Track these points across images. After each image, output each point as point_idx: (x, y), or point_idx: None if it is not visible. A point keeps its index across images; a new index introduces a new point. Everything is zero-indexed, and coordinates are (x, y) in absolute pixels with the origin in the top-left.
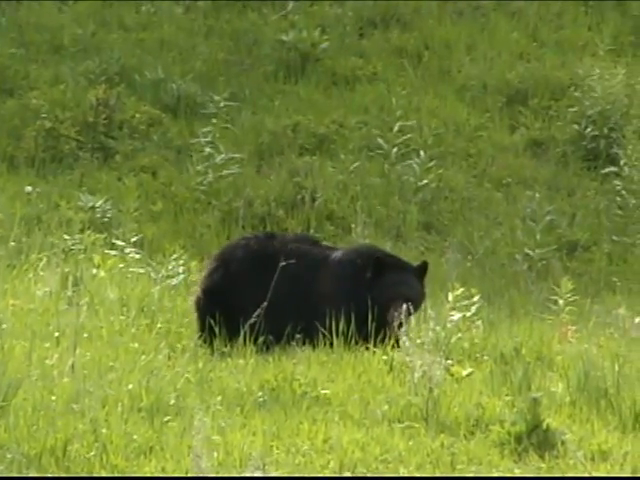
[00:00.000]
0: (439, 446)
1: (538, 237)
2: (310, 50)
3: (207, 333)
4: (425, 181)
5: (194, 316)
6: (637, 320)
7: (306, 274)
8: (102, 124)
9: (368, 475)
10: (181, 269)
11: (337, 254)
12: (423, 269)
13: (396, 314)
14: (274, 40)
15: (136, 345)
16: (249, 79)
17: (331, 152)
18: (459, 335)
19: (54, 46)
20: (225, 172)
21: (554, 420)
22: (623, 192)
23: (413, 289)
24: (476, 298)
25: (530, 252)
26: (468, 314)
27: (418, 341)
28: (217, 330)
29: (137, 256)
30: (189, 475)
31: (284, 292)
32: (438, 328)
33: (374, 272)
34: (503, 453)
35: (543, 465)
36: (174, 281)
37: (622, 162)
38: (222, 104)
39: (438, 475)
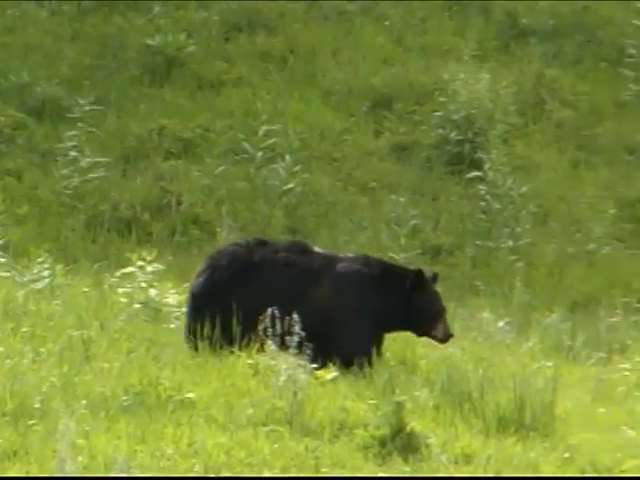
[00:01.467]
0: (303, 449)
1: (402, 241)
2: (176, 54)
3: (191, 334)
4: (290, 185)
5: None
6: (500, 324)
7: (297, 285)
8: None
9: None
10: (46, 273)
11: (342, 265)
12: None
13: (442, 327)
14: (140, 44)
15: (1, 349)
16: (115, 83)
17: (196, 156)
18: None
19: None
20: (90, 176)
21: (418, 424)
22: (487, 197)
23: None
24: None
25: (395, 256)
26: None
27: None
28: (199, 333)
29: (2, 260)
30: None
31: (271, 302)
32: (302, 332)
33: (415, 285)
34: (367, 456)
35: (407, 468)
36: (39, 285)
37: (486, 167)
38: (87, 108)
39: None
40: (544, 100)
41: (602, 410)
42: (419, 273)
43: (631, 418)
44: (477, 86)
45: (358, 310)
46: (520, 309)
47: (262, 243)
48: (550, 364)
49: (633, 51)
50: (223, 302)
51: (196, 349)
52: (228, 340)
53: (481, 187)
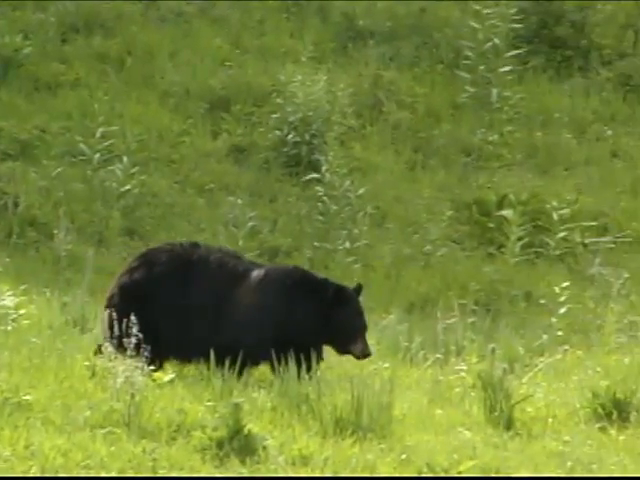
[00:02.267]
0: (141, 451)
1: (241, 243)
2: (12, 55)
3: (114, 331)
4: (128, 187)
5: (104, 312)
6: None
7: (225, 287)
8: None
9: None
10: None
11: (262, 271)
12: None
13: (361, 346)
14: None
15: None
16: None
17: (33, 158)
18: None
19: None
20: None
21: (255, 425)
22: (324, 198)
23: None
24: None
25: None
26: None
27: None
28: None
29: None
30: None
31: (200, 302)
32: (140, 334)
33: (335, 301)
34: (205, 458)
35: (244, 470)
36: None
37: (323, 168)
38: None
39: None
40: (381, 102)
41: (439, 411)
42: (339, 289)
43: (467, 419)
44: (314, 88)
45: (264, 311)
46: None
47: (195, 245)
48: (387, 366)
49: (470, 53)
50: (159, 298)
51: (120, 346)
52: (155, 338)
53: (318, 189)
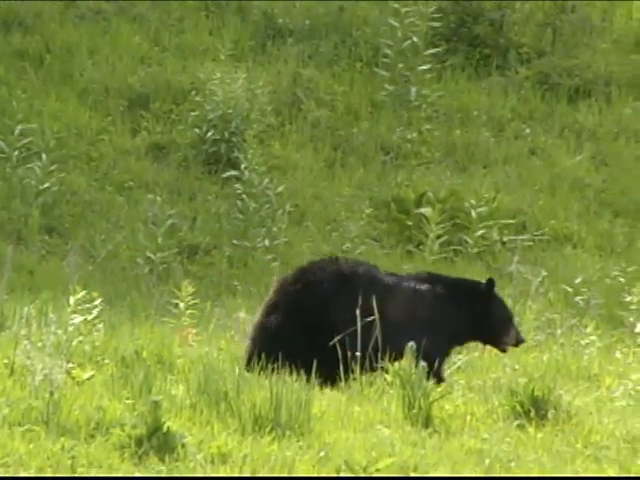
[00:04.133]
0: (59, 449)
1: (160, 240)
2: None
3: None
4: (47, 184)
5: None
6: None
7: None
8: None
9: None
10: None
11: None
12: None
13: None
14: None
15: None
16: None
17: None
18: (80, 338)
19: None
20: None
21: (174, 423)
22: (243, 196)
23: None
24: (97, 301)
25: (151, 255)
26: (89, 317)
27: (39, 344)
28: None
29: None
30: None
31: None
32: (59, 331)
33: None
34: (123, 456)
35: (163, 468)
36: None
37: (242, 166)
38: None
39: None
40: (300, 100)
41: (357, 409)
42: (488, 284)
43: (386, 417)
44: (233, 86)
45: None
46: None
47: (336, 259)
48: None
49: (388, 51)
50: (326, 315)
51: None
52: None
53: (238, 187)
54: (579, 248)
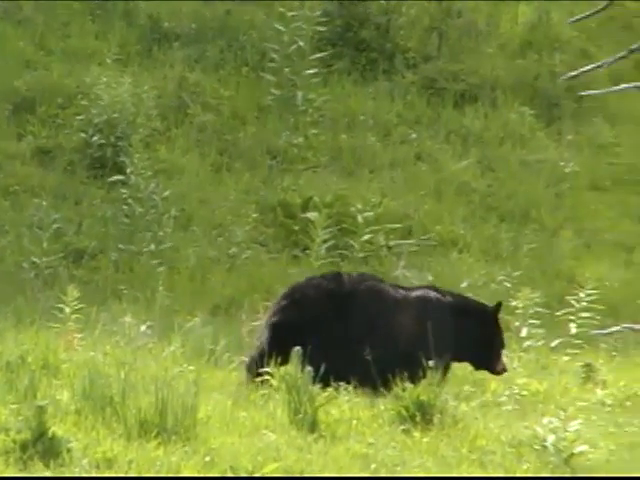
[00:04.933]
0: None
1: (45, 245)
2: None
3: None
4: None
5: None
6: (143, 328)
7: (386, 315)
8: None
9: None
10: None
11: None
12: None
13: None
14: None
15: None
16: None
17: None
18: None
19: None
20: None
21: (59, 428)
22: (129, 200)
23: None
24: None
25: (37, 260)
26: None
27: None
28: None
29: None
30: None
31: (358, 334)
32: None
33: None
34: (8, 461)
35: (48, 473)
36: None
37: (128, 170)
38: None
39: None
40: (186, 104)
41: (243, 414)
42: (496, 310)
43: (272, 422)
44: (119, 90)
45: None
46: (162, 313)
47: (339, 275)
48: (192, 368)
49: (275, 56)
50: (315, 334)
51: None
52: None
53: (124, 191)
54: (465, 253)
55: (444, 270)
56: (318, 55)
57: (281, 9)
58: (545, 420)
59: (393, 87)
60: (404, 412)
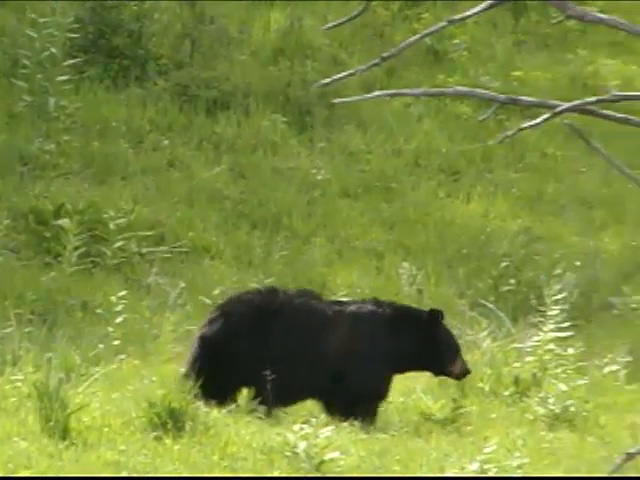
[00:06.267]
0: None
1: None
2: None
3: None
4: None
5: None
6: None
7: (318, 332)
8: None
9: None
10: None
11: (355, 309)
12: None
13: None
14: None
15: None
16: None
17: None
18: None
19: None
20: None
21: None
22: None
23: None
24: None
25: None
26: None
27: None
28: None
29: None
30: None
31: (291, 351)
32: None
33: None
34: None
35: None
36: None
37: None
38: None
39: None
40: None
41: None
42: (432, 312)
43: (23, 429)
44: None
45: (371, 351)
46: None
47: (274, 291)
48: None
49: (27, 62)
50: (241, 349)
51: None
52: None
53: None
54: (217, 259)
55: (196, 277)
56: (70, 62)
57: (33, 15)
58: (297, 427)
59: (145, 94)
60: (156, 419)
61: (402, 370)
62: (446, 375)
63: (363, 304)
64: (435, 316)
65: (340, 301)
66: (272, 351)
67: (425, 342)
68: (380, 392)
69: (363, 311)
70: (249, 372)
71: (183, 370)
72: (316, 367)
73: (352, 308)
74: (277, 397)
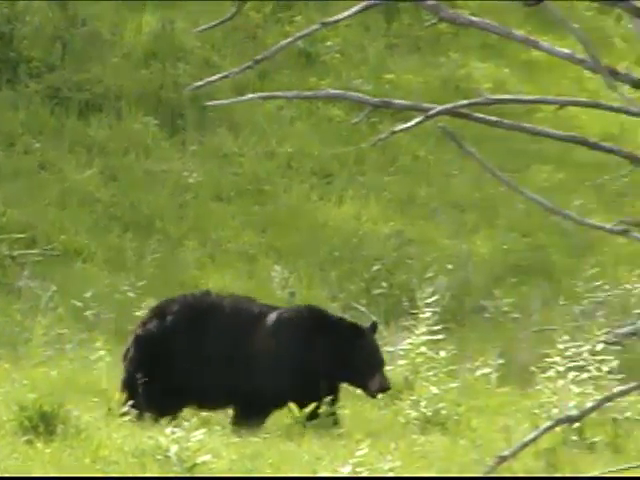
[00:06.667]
0: None
1: None
2: None
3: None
4: None
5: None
6: None
7: (241, 333)
8: None
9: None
10: None
11: (275, 314)
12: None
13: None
14: None
15: None
16: None
17: None
18: None
19: None
20: None
21: None
22: None
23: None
24: None
25: None
26: None
27: None
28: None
29: None
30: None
31: (216, 350)
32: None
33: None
34: None
35: None
36: None
37: None
38: None
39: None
40: None
41: None
42: (354, 325)
43: None
44: None
45: (282, 356)
46: None
47: (207, 293)
48: None
49: None
50: (175, 348)
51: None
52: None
53: None
54: (89, 263)
55: (68, 280)
56: None
57: None
58: (168, 430)
59: (17, 97)
60: (27, 422)
61: (328, 379)
62: (363, 390)
63: (290, 310)
64: (356, 330)
65: (274, 306)
66: (205, 350)
67: (342, 354)
68: (280, 399)
69: (287, 315)
70: (185, 370)
71: (121, 375)
72: (240, 368)
73: (280, 311)
74: (201, 399)
